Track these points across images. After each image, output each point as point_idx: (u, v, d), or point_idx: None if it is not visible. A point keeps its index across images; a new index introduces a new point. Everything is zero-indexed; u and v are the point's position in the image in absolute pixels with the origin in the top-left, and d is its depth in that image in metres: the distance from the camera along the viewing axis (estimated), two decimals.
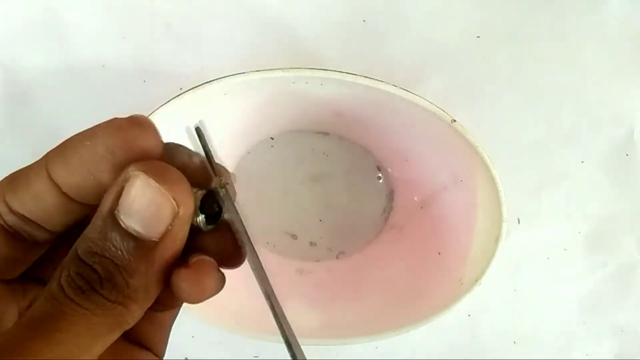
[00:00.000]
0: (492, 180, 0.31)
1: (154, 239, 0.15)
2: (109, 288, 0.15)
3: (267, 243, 0.40)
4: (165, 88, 0.32)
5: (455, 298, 0.33)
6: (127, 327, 0.16)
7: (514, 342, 0.41)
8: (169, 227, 0.15)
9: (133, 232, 0.15)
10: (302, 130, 0.39)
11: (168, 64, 0.36)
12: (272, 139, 0.39)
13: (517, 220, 0.38)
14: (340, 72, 0.29)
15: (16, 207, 0.16)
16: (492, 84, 0.36)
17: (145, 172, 0.15)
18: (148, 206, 0.15)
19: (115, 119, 0.16)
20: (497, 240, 0.32)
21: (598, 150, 0.38)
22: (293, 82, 0.31)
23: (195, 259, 0.17)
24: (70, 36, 0.35)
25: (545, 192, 0.39)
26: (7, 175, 0.17)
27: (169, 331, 0.21)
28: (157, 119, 0.29)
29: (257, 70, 0.29)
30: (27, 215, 0.16)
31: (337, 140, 0.39)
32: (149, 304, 0.16)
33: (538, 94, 0.37)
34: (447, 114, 0.30)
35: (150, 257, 0.15)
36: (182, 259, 0.17)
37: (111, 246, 0.15)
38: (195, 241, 0.18)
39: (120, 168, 0.16)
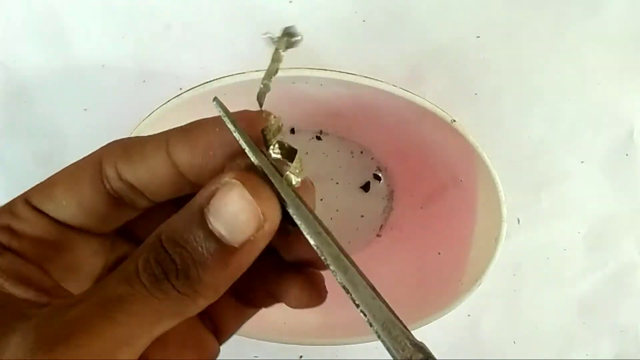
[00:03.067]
0: (492, 180, 0.31)
1: (235, 245, 0.16)
2: (182, 280, 0.15)
3: None
4: (165, 88, 0.32)
5: (455, 298, 0.33)
6: (187, 317, 0.16)
7: (514, 342, 0.41)
8: (252, 238, 0.16)
9: (217, 234, 0.15)
10: (301, 130, 0.39)
11: (168, 64, 0.36)
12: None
13: (517, 220, 0.38)
14: (340, 72, 0.29)
15: (127, 175, 0.17)
16: (492, 84, 0.36)
17: (243, 183, 0.16)
18: (237, 215, 0.15)
19: (247, 111, 0.18)
20: (497, 240, 0.32)
21: (598, 150, 0.38)
22: (293, 82, 0.31)
23: (310, 269, 0.19)
24: (70, 36, 0.35)
25: (545, 192, 0.39)
26: (115, 140, 0.18)
27: (240, 326, 0.22)
28: (157, 119, 0.29)
29: (257, 70, 0.29)
30: (135, 184, 0.18)
31: (336, 140, 0.39)
32: (212, 301, 0.16)
33: (538, 94, 0.37)
34: (447, 114, 0.30)
35: (227, 260, 0.16)
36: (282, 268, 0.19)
37: (193, 241, 0.15)
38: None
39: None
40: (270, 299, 0.21)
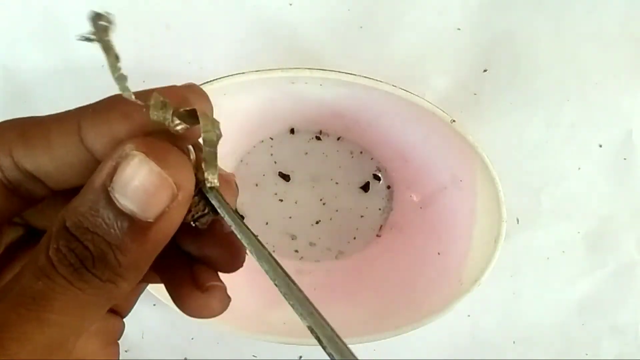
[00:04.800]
0: (491, 180, 0.31)
1: (149, 220, 0.14)
2: (101, 267, 0.14)
3: (267, 243, 0.40)
4: None
5: (455, 298, 0.33)
6: (114, 303, 0.15)
7: (514, 342, 0.41)
8: (166, 209, 0.15)
9: (128, 212, 0.14)
10: (301, 130, 0.39)
11: (168, 64, 0.36)
12: (272, 139, 0.39)
13: (516, 220, 0.38)
14: (340, 72, 0.29)
15: (26, 164, 0.15)
16: (492, 84, 0.36)
17: (147, 152, 0.14)
18: (146, 188, 0.14)
19: (173, 86, 0.16)
20: (496, 240, 0.32)
21: (597, 150, 0.38)
22: (292, 82, 0.31)
23: (209, 284, 0.17)
24: (70, 36, 0.35)
25: (545, 192, 0.39)
26: (7, 121, 0.16)
27: (139, 296, 0.21)
28: None
29: (257, 70, 0.29)
30: (35, 173, 0.16)
31: (336, 140, 0.39)
32: (137, 281, 0.15)
33: (538, 94, 0.37)
34: (447, 114, 0.30)
35: (143, 237, 0.14)
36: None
37: (103, 223, 0.14)
38: (196, 245, 0.18)
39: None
40: (152, 275, 0.18)
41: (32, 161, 0.15)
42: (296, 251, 0.40)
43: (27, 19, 0.35)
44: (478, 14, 0.35)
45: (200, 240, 0.18)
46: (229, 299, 0.18)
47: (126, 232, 0.14)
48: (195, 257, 0.19)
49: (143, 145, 0.14)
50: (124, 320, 0.21)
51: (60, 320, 0.14)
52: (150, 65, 0.36)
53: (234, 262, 0.19)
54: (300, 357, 0.39)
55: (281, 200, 0.39)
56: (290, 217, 0.39)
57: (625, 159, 0.38)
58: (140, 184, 0.14)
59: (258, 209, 0.39)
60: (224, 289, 0.18)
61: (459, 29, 0.35)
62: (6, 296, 0.14)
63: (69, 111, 0.16)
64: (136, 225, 0.14)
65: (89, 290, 0.14)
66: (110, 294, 0.15)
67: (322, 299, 0.39)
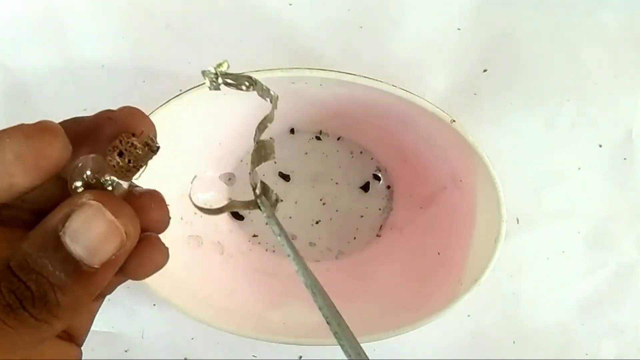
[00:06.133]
0: (491, 180, 0.31)
1: (95, 266, 0.15)
2: (39, 307, 0.15)
3: (267, 243, 0.40)
4: (165, 88, 0.32)
5: (455, 298, 0.33)
6: (44, 342, 0.16)
7: (514, 342, 0.41)
8: (112, 257, 0.15)
9: (76, 256, 0.15)
10: (301, 130, 0.39)
11: (168, 64, 0.36)
12: (272, 139, 0.39)
13: (516, 220, 0.38)
14: (340, 72, 0.29)
15: None
16: (492, 84, 0.36)
17: (102, 203, 0.15)
18: (98, 236, 0.15)
19: (23, 125, 0.16)
20: (496, 240, 0.32)
21: (597, 150, 0.38)
22: (292, 82, 0.31)
23: (141, 235, 0.17)
24: (70, 36, 0.35)
25: (545, 192, 0.39)
26: None
27: (94, 317, 0.21)
28: (157, 119, 0.29)
29: (257, 70, 0.29)
30: None
31: (336, 140, 0.39)
32: (70, 322, 0.16)
33: (538, 94, 0.37)
34: (447, 114, 0.30)
35: (87, 281, 0.15)
36: None
37: (49, 265, 0.15)
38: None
39: (31, 172, 0.15)
40: (115, 282, 0.19)
41: None
42: None
43: (27, 19, 0.35)
44: (478, 14, 0.35)
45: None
46: (166, 249, 0.18)
47: (71, 275, 0.15)
48: None
49: (98, 196, 0.15)
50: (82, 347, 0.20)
51: None
52: (150, 65, 0.36)
53: (163, 223, 0.19)
54: (300, 357, 0.39)
55: (281, 200, 0.39)
56: (290, 217, 0.39)
57: (625, 159, 0.38)
58: (96, 231, 0.15)
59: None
60: (159, 238, 0.18)
61: (459, 29, 0.35)
62: None
63: None
64: (81, 270, 0.15)
65: (22, 330, 0.14)
66: (43, 333, 0.15)
67: None
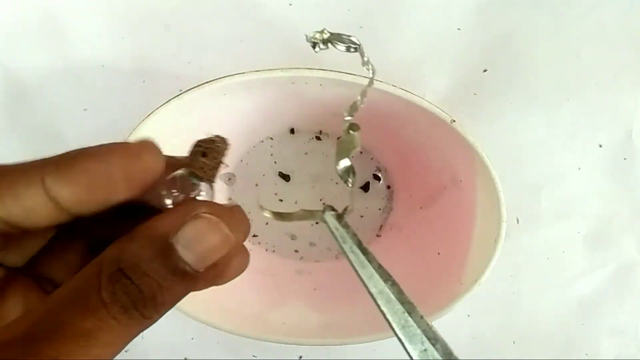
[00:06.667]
0: (491, 180, 0.31)
1: (200, 270, 0.16)
2: (150, 307, 0.16)
3: (267, 243, 0.40)
4: (165, 88, 0.32)
5: (455, 298, 0.33)
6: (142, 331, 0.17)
7: (514, 342, 0.41)
8: (217, 262, 0.17)
9: (186, 262, 0.16)
10: (301, 130, 0.39)
11: (168, 64, 0.36)
12: (272, 139, 0.39)
13: (516, 220, 0.38)
14: (340, 72, 0.29)
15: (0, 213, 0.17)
16: (492, 84, 0.36)
17: (219, 216, 0.17)
18: (211, 246, 0.16)
19: (128, 144, 0.17)
20: (496, 240, 0.32)
21: (597, 150, 0.38)
22: (292, 82, 0.31)
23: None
24: (70, 36, 0.35)
25: (545, 192, 0.39)
26: None
27: None
28: (157, 119, 0.29)
29: (257, 70, 0.29)
30: (6, 219, 0.17)
31: (336, 140, 0.39)
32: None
33: (538, 94, 0.37)
34: (447, 114, 0.30)
35: (190, 282, 0.16)
36: None
37: (161, 268, 0.16)
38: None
39: (135, 188, 0.17)
40: None
41: (3, 210, 0.17)
42: (296, 251, 0.40)
43: (27, 19, 0.35)
44: (478, 14, 0.35)
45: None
46: (248, 252, 0.20)
47: (179, 278, 0.16)
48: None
49: (212, 209, 0.17)
50: None
51: (103, 352, 0.15)
52: (150, 65, 0.36)
53: (247, 233, 0.20)
54: (300, 357, 0.39)
55: (281, 200, 0.39)
56: None
57: (625, 159, 0.38)
58: (209, 241, 0.16)
59: (258, 209, 0.39)
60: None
61: (459, 29, 0.36)
62: (57, 332, 0.15)
63: (33, 162, 0.17)
64: (187, 273, 0.16)
65: (133, 327, 0.16)
66: (145, 327, 0.16)
67: (323, 299, 0.39)
